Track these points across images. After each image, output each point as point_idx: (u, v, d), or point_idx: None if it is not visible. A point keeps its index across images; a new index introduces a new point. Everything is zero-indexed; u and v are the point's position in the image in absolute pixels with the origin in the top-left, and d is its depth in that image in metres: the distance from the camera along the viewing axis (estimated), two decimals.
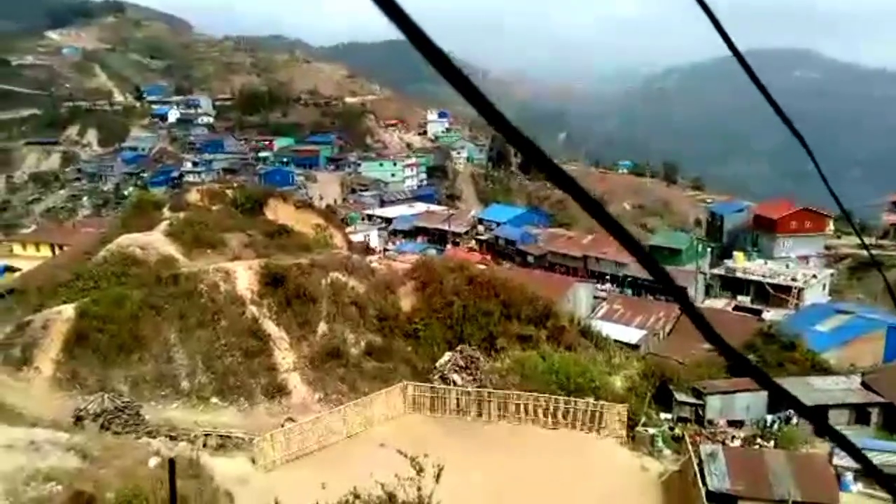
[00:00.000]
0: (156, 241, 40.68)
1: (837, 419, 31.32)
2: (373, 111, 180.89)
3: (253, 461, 26.90)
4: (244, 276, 36.32)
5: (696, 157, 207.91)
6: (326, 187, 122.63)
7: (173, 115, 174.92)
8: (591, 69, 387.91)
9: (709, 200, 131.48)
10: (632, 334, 51.24)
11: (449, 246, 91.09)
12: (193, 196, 51.89)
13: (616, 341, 45.03)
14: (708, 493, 23.42)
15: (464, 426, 31.19)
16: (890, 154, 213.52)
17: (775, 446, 28.52)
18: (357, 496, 18.09)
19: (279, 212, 51.19)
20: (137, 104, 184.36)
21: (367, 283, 39.09)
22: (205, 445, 27.36)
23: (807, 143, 2.86)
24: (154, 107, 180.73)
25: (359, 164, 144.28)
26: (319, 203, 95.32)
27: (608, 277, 73.07)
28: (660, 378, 33.38)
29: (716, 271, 71.17)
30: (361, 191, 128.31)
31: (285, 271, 36.53)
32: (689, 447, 26.77)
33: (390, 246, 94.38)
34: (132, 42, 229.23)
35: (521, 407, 31.28)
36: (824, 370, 35.83)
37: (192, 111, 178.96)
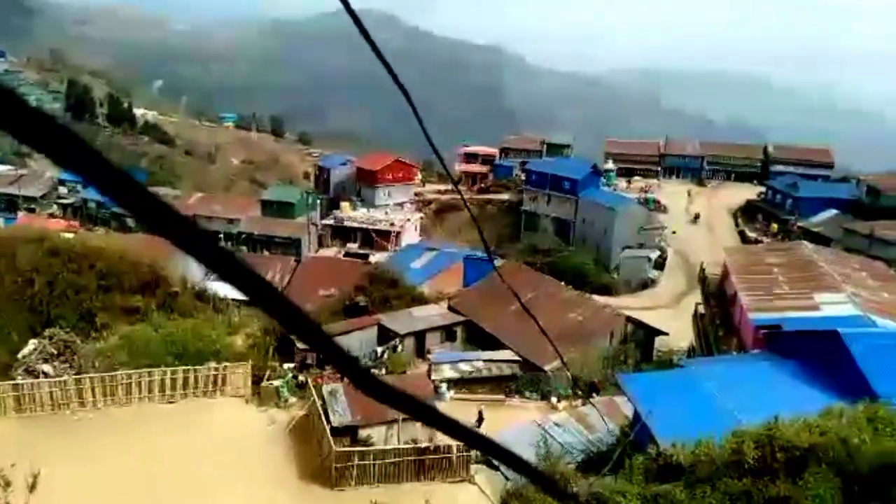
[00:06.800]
0: None
1: (433, 340, 36.65)
2: None
3: None
4: None
5: (304, 112, 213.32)
6: None
7: None
8: (190, 10, 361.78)
9: (315, 154, 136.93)
10: None
11: (21, 213, 77.13)
12: None
13: (234, 300, 44.10)
14: (333, 429, 24.92)
15: (63, 421, 26.96)
16: (462, 113, 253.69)
17: (386, 372, 31.86)
18: None
19: None
20: None
21: None
22: None
23: (413, 104, 2.96)
24: None
25: None
26: None
27: (221, 235, 70.91)
28: (281, 330, 33.89)
29: (326, 221, 75.20)
30: None
31: None
32: (313, 390, 28.02)
33: None
34: None
35: (133, 387, 28.40)
36: (421, 300, 41.39)
37: None
